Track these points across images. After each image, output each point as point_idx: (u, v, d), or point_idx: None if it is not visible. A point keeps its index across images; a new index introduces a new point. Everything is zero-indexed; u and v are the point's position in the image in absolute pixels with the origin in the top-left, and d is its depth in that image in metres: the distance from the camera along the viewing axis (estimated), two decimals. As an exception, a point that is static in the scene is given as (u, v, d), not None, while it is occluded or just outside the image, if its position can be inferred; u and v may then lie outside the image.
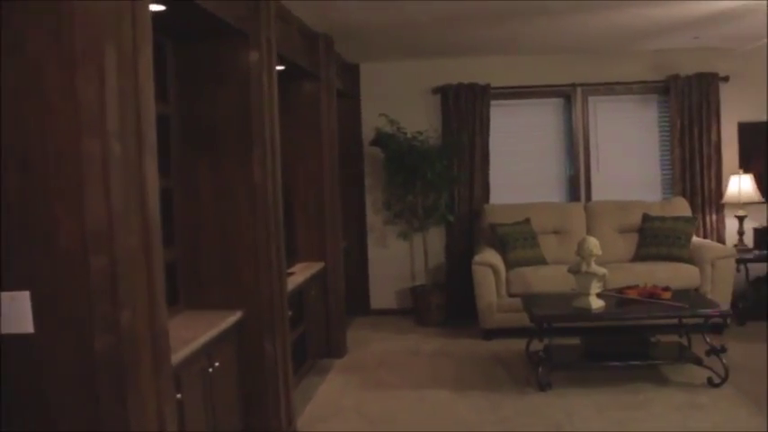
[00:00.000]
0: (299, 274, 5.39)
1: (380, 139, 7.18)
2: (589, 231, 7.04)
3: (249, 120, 3.91)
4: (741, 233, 7.10)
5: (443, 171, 7.12)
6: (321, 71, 6.05)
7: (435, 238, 7.57)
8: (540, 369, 5.23)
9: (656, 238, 6.82)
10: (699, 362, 5.27)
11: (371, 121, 7.38)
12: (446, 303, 7.27)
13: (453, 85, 7.44)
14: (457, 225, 7.47)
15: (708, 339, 5.29)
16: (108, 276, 2.09)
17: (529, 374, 5.45)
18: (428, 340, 6.71)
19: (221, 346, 3.60)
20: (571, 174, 7.66)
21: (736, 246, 7.05)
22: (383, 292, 7.74)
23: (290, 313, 4.45)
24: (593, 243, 5.31)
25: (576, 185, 7.61)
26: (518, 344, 6.02)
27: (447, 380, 5.53)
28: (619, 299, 5.54)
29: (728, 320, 5.25)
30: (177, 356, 2.96)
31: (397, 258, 7.69)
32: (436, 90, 7.55)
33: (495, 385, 5.35)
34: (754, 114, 7.44)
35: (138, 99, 2.27)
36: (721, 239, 7.33)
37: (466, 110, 7.42)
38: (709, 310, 5.34)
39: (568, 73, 7.50)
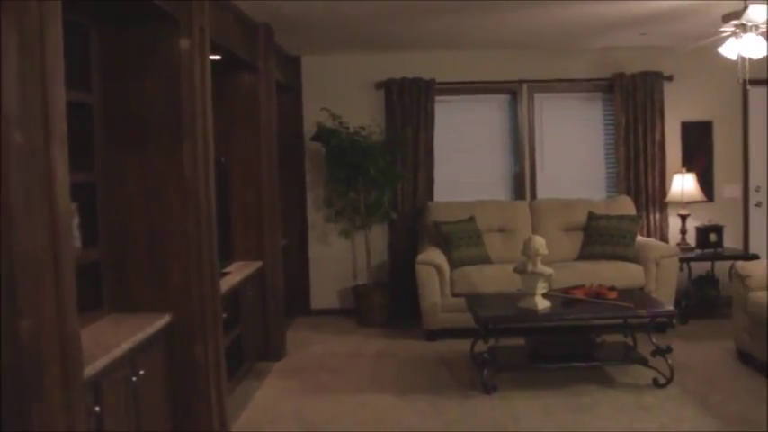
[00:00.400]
0: (236, 274, 5.17)
1: (322, 134, 6.99)
2: (534, 230, 6.99)
3: (180, 111, 3.67)
4: (684, 232, 7.14)
5: (387, 167, 6.96)
6: (260, 62, 5.83)
7: (378, 237, 7.41)
8: (485, 371, 5.12)
9: (601, 237, 6.79)
10: (644, 362, 5.24)
11: (313, 115, 7.18)
12: (389, 303, 7.12)
13: (397, 79, 7.29)
14: (400, 223, 7.32)
15: (653, 340, 5.26)
16: (5, 281, 1.86)
17: (473, 376, 5.33)
18: (370, 341, 6.55)
19: (148, 352, 3.37)
20: (516, 171, 7.59)
21: (678, 244, 7.08)
22: (324, 292, 7.55)
23: (224, 315, 4.24)
24: (539, 242, 5.23)
25: (521, 183, 7.54)
26: (462, 345, 5.91)
27: (389, 383, 5.38)
28: (565, 299, 5.47)
29: (674, 320, 5.23)
30: (95, 365, 2.73)
31: (338, 257, 7.50)
32: (380, 84, 7.39)
33: (439, 388, 5.23)
34: (697, 114, 7.50)
35: (44, 83, 2.04)
36: (664, 238, 7.36)
37: (410, 105, 7.27)
38: (655, 310, 5.31)
39: (515, 69, 7.43)
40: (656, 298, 5.78)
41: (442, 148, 7.46)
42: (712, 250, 6.94)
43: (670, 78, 7.39)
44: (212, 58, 4.83)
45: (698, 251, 6.98)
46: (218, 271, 4.14)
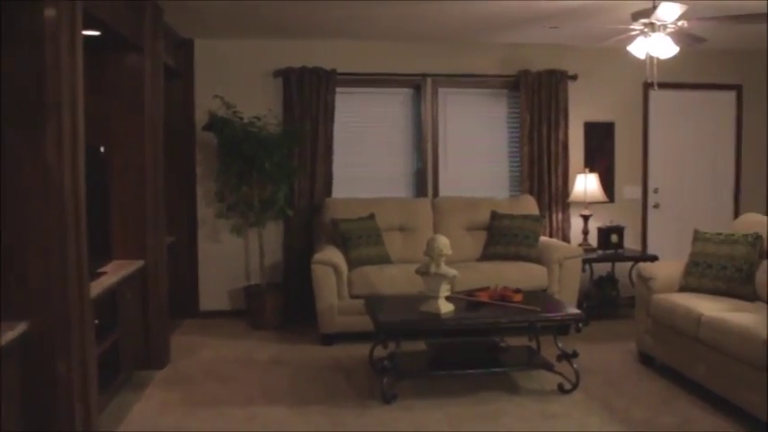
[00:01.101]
0: (112, 275, 4.64)
1: (214, 124, 6.52)
2: (436, 229, 6.76)
3: (42, 88, 3.18)
4: (586, 233, 7.09)
5: (283, 161, 6.56)
6: (146, 43, 5.32)
7: (273, 234, 7.01)
8: (385, 380, 4.82)
9: (504, 237, 6.63)
10: (550, 367, 5.07)
11: (206, 103, 6.71)
12: (283, 305, 6.72)
13: (296, 68, 6.90)
14: (296, 220, 6.94)
15: (559, 344, 5.11)
16: None
17: (373, 385, 5.03)
18: (263, 346, 6.13)
19: (-4, 369, 2.89)
20: (418, 168, 7.34)
21: (580, 245, 7.02)
22: (215, 293, 7.07)
23: (97, 321, 3.77)
24: (443, 242, 4.97)
25: (424, 181, 7.30)
26: (361, 349, 5.61)
27: (282, 393, 4.99)
28: (469, 302, 5.25)
29: (580, 324, 5.09)
30: None
31: (230, 255, 7.04)
32: (278, 73, 6.97)
33: (335, 398, 4.88)
34: (600, 114, 7.48)
35: None
36: (567, 239, 7.29)
37: (309, 96, 6.90)
38: (562, 314, 5.15)
39: (419, 62, 7.17)
40: (560, 300, 5.64)
41: (343, 142, 7.13)
42: (613, 251, 6.92)
43: (575, 77, 7.33)
44: (89, 33, 4.33)
45: (599, 252, 6.94)
46: (89, 272, 3.66)
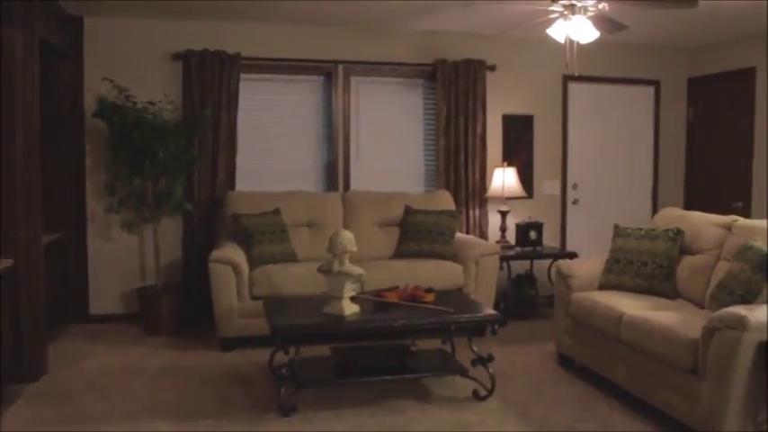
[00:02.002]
0: (-34, 276, 3.98)
1: (103, 110, 5.83)
2: (346, 225, 6.25)
3: None
4: (504, 229, 6.68)
5: (180, 151, 5.91)
6: (17, 13, 4.64)
7: (171, 230, 6.34)
8: (283, 390, 4.27)
9: (418, 234, 6.15)
10: (463, 373, 4.60)
11: (97, 87, 5.99)
12: (181, 308, 6.07)
13: (197, 51, 6.25)
14: (196, 215, 6.29)
15: (474, 348, 4.65)
16: None
17: (272, 395, 4.45)
18: (156, 353, 5.48)
19: None
20: (329, 161, 6.80)
21: (498, 242, 6.61)
22: (107, 295, 6.33)
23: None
24: (347, 238, 4.45)
25: (334, 174, 6.75)
26: (263, 355, 5.03)
27: (169, 406, 4.36)
28: (377, 303, 4.74)
29: (497, 326, 4.65)
30: None
31: (123, 254, 6.32)
32: (177, 56, 6.31)
33: (228, 411, 4.29)
34: (519, 107, 7.10)
35: None
36: (484, 235, 6.87)
37: (211, 81, 6.26)
38: (475, 315, 4.68)
39: (330, 48, 6.64)
40: (476, 301, 5.17)
41: (248, 132, 6.52)
42: (532, 248, 6.53)
43: (493, 68, 6.92)
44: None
45: (518, 249, 6.54)
46: None
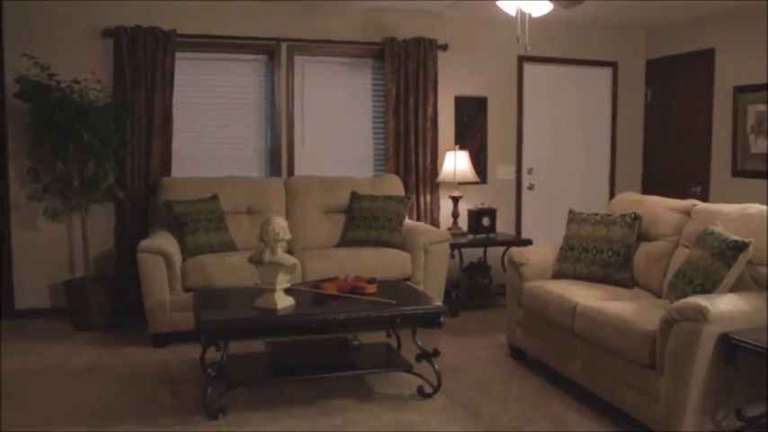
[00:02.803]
0: None
1: (24, 89, 5.30)
2: (289, 211, 5.83)
3: None
4: (456, 215, 6.28)
5: (108, 133, 5.41)
6: None
7: (102, 219, 5.83)
8: (210, 390, 3.84)
9: (364, 221, 5.74)
10: (408, 369, 4.21)
11: (19, 66, 5.45)
12: (112, 301, 5.58)
13: (129, 27, 5.72)
14: (130, 203, 5.79)
15: (418, 342, 4.26)
16: None
17: (201, 395, 3.98)
18: (82, 350, 4.98)
19: None
20: (272, 145, 6.31)
21: (450, 229, 6.23)
22: (33, 288, 5.79)
23: None
24: (279, 225, 4.02)
25: (278, 159, 6.28)
26: (196, 351, 4.52)
27: (87, 410, 3.90)
28: (314, 295, 4.33)
29: (442, 318, 4.27)
30: None
31: (51, 244, 5.78)
32: (108, 33, 5.77)
33: (152, 414, 3.85)
34: (472, 88, 6.71)
35: None
36: (436, 222, 6.48)
37: (144, 60, 5.75)
38: (419, 307, 4.28)
39: (273, 25, 6.15)
40: (422, 292, 4.75)
41: (185, 115, 6.02)
42: (485, 235, 6.14)
43: (445, 48, 6.50)
44: None
45: (470, 236, 6.16)
46: None
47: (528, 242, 6.01)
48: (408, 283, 5.42)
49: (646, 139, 7.28)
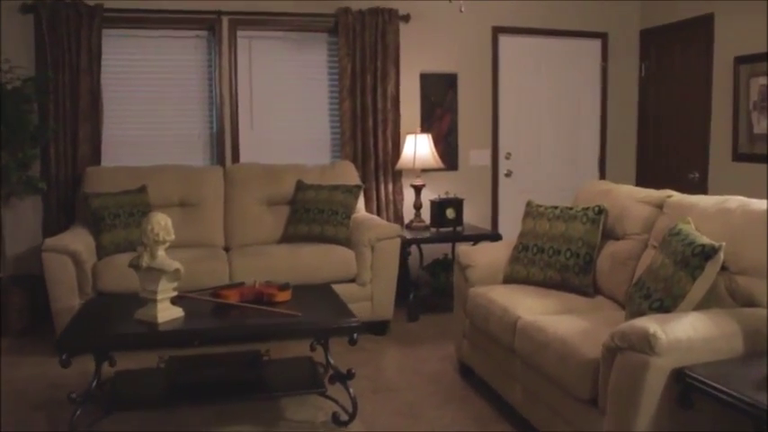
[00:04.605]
0: None
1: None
2: (227, 203, 5.09)
3: None
4: (418, 207, 5.44)
5: (20, 119, 4.72)
6: None
7: (29, 213, 5.14)
8: (77, 416, 3.13)
9: (307, 213, 4.94)
10: (321, 392, 3.45)
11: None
12: (32, 304, 4.91)
13: (49, 2, 5.00)
14: (55, 195, 5.09)
15: (331, 361, 3.49)
16: None
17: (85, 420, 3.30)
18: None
19: None
20: (216, 130, 5.55)
21: (411, 222, 5.42)
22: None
23: None
24: (161, 223, 3.28)
25: (222, 146, 5.51)
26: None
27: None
28: (214, 305, 3.57)
29: (356, 335, 3.49)
30: None
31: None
32: (26, 8, 5.05)
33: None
34: (440, 64, 5.82)
35: None
36: (399, 214, 5.65)
37: (68, 38, 5.02)
38: (329, 321, 3.47)
39: (212, -3, 5.39)
40: (342, 302, 3.77)
41: (118, 98, 5.28)
42: (451, 229, 5.31)
43: (406, 18, 5.62)
44: None
45: (432, 230, 5.32)
46: None
47: (497, 237, 5.17)
48: (354, 284, 4.67)
49: (640, 118, 6.28)
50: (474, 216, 5.78)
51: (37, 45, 5.06)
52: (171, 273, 3.27)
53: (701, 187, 5.39)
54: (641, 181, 6.09)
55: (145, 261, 3.27)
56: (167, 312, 3.31)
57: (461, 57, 5.84)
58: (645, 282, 2.90)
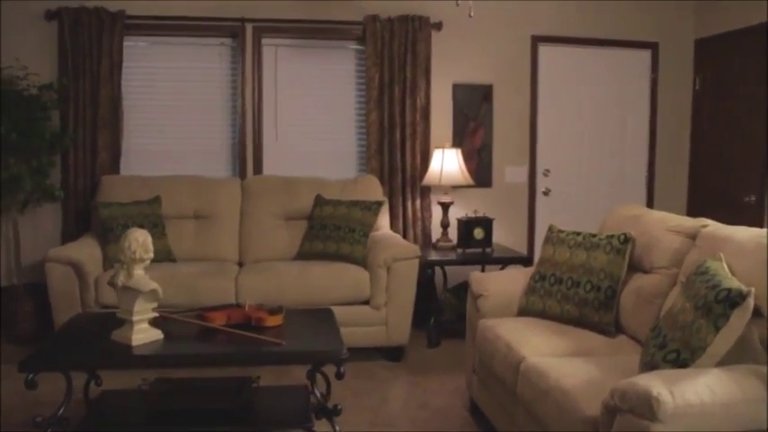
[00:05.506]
0: None
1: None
2: (243, 216, 4.84)
3: None
4: (445, 225, 5.06)
5: (35, 127, 4.59)
6: None
7: (49, 221, 5.01)
8: (44, 441, 2.93)
9: (324, 230, 4.64)
10: (308, 427, 3.12)
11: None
12: (42, 312, 4.76)
13: (72, 8, 4.87)
14: (74, 204, 4.94)
15: (317, 394, 3.17)
16: None
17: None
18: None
19: None
20: (237, 141, 5.30)
21: (438, 241, 5.04)
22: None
23: None
24: (139, 240, 3.01)
25: (243, 157, 5.26)
26: (107, 379, 3.65)
27: None
28: (196, 327, 3.29)
29: (342, 369, 3.14)
30: None
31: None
32: (51, 14, 4.95)
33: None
34: (474, 74, 5.43)
35: None
36: (426, 232, 5.29)
37: (89, 45, 4.89)
38: (318, 355, 3.14)
39: (237, 3, 5.11)
40: (337, 331, 3.44)
41: (139, 106, 5.13)
42: (478, 250, 4.90)
43: (439, 26, 5.27)
44: None
45: (459, 251, 4.92)
46: None
47: (529, 261, 4.74)
48: (368, 306, 4.33)
49: (693, 135, 5.70)
50: (507, 237, 5.37)
51: (60, 52, 4.94)
52: (146, 293, 3.03)
53: (757, 211, 4.82)
54: (693, 203, 5.54)
55: (121, 280, 3.02)
56: (144, 335, 3.04)
57: (497, 67, 5.43)
58: (662, 328, 2.46)
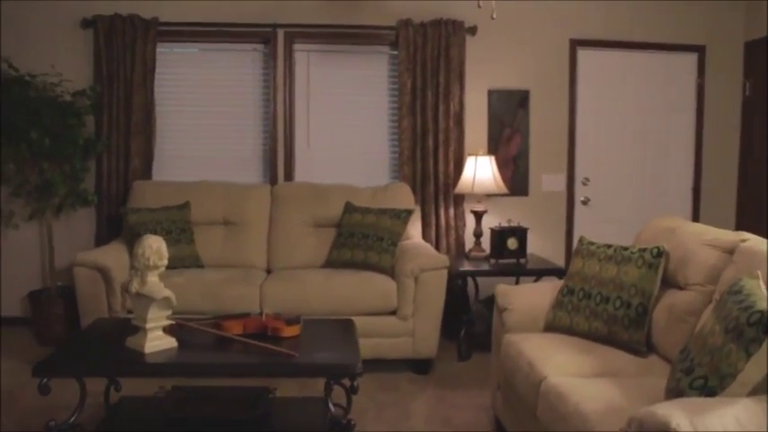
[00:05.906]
0: None
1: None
2: (273, 223, 4.77)
3: None
4: (478, 234, 4.91)
5: (68, 132, 4.62)
6: None
7: (85, 225, 5.05)
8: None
9: (352, 238, 4.54)
10: (324, 441, 3.04)
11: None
12: (74, 315, 4.80)
13: (107, 16, 4.91)
14: (108, 209, 4.97)
15: (331, 408, 3.07)
16: None
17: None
18: (12, 372, 4.20)
19: None
20: (268, 147, 5.24)
21: (470, 251, 4.89)
22: (12, 296, 5.13)
23: None
24: (153, 246, 2.96)
25: (274, 163, 5.21)
26: (133, 385, 3.61)
27: None
28: (211, 336, 3.23)
29: (356, 383, 3.02)
30: None
31: (29, 250, 5.10)
32: (87, 23, 4.99)
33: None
34: (510, 80, 5.27)
35: None
36: (460, 241, 5.14)
37: (123, 51, 4.91)
38: (331, 368, 3.03)
39: (268, 9, 5.07)
40: (354, 343, 3.29)
41: (172, 112, 5.14)
42: (512, 261, 4.73)
43: (473, 31, 5.13)
44: None
45: (492, 261, 4.76)
46: None
47: (561, 272, 4.55)
48: (394, 317, 4.21)
49: (742, 144, 5.42)
50: (544, 247, 5.19)
51: (95, 59, 4.98)
52: (159, 301, 2.97)
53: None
54: (742, 217, 5.25)
55: (134, 287, 2.98)
56: (157, 342, 2.99)
57: (534, 72, 5.26)
58: (690, 351, 2.27)
